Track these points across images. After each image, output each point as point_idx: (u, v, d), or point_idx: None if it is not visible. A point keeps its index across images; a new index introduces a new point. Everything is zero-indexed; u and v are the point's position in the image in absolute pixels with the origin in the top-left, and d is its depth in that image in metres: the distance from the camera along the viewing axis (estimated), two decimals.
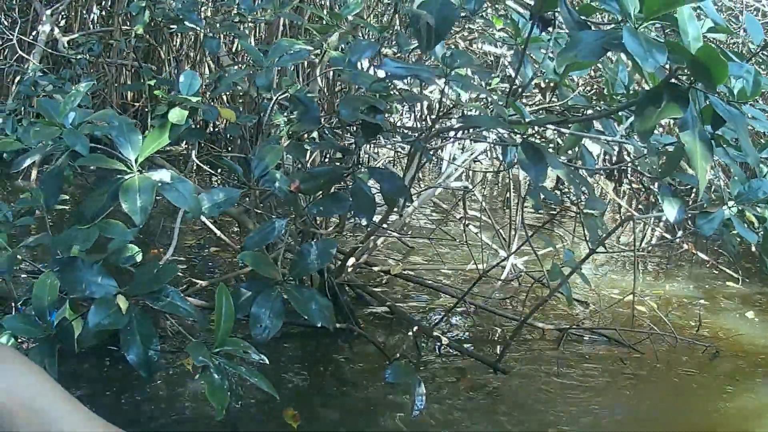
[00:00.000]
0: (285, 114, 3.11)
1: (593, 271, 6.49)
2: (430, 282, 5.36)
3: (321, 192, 3.00)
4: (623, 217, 5.92)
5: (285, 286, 2.69)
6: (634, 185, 7.86)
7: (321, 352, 4.48)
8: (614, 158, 7.31)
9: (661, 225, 7.37)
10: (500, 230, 5.73)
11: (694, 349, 4.97)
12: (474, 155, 5.44)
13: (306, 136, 3.24)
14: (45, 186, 2.66)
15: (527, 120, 2.97)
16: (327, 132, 3.13)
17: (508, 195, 7.12)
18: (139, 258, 2.72)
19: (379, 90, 3.03)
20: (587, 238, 3.96)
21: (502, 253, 5.58)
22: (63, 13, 10.35)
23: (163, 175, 2.39)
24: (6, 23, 10.17)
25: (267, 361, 2.43)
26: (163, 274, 2.40)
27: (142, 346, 2.36)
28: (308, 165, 3.67)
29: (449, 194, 7.40)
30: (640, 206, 7.95)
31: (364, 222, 3.09)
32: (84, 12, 10.75)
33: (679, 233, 6.31)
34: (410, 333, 4.38)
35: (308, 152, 3.55)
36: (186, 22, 4.15)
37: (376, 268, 5.15)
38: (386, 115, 3.05)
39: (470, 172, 7.45)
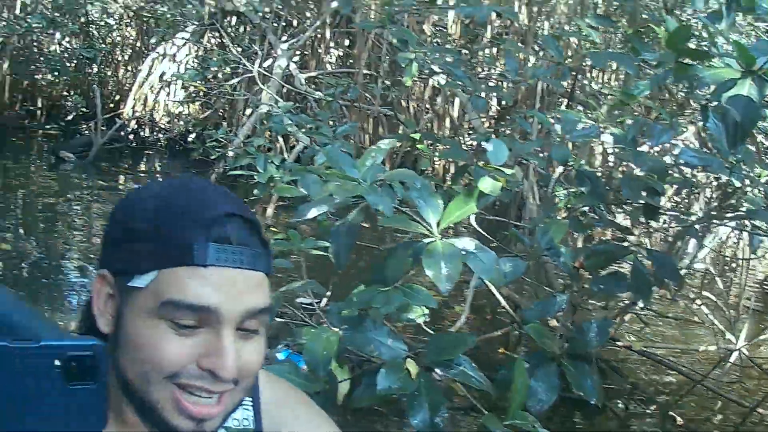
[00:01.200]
0: (564, 186, 2.88)
1: None
2: (667, 361, 4.93)
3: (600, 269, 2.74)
4: None
5: (563, 360, 2.45)
6: None
7: (558, 422, 4.16)
8: None
9: None
10: (730, 312, 5.26)
11: None
12: (718, 237, 5.04)
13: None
14: (336, 241, 2.44)
15: None
16: (603, 208, 2.86)
17: (731, 276, 6.65)
18: (423, 320, 2.54)
19: (660, 173, 2.76)
20: None
21: (728, 336, 5.12)
22: (299, 50, 10.31)
23: (467, 243, 2.19)
24: (235, 52, 10.25)
25: None
26: (460, 344, 2.19)
27: (429, 413, 2.15)
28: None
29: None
30: None
31: (640, 303, 2.81)
32: (321, 51, 10.64)
33: None
34: (648, 410, 4.03)
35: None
36: (450, 78, 3.99)
37: (619, 343, 4.77)
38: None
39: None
